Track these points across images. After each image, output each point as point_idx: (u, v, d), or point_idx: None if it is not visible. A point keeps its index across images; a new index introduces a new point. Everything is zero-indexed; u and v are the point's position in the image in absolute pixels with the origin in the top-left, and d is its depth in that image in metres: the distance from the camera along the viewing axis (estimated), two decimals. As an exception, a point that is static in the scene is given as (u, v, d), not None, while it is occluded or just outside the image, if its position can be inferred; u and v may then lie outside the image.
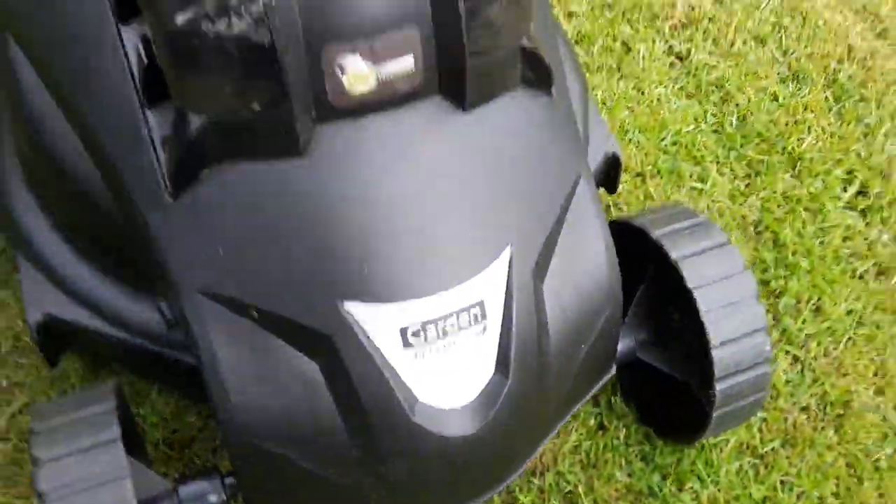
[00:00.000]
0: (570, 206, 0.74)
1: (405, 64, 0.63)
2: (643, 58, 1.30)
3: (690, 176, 1.19)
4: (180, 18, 0.60)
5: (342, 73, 0.61)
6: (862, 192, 1.22)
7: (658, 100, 1.27)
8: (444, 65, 0.65)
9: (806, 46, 1.35)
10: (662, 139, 1.22)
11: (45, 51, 0.75)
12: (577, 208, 0.75)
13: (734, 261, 0.84)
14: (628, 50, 1.31)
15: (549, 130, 0.76)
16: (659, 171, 1.19)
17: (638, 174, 1.19)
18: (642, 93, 1.27)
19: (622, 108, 1.25)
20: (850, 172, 1.23)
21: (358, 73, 0.61)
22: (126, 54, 0.66)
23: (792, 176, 1.21)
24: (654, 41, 1.33)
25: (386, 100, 0.64)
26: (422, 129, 0.66)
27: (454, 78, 0.66)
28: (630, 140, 1.22)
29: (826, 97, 1.30)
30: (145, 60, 0.65)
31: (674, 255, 0.83)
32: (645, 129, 1.23)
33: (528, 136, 0.73)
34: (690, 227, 0.86)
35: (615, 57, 1.30)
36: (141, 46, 0.66)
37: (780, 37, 1.36)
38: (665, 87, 1.28)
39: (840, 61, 1.34)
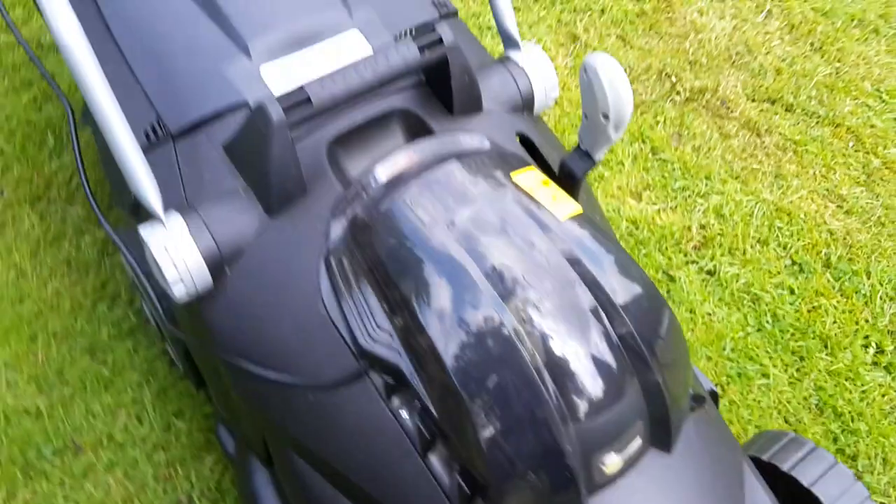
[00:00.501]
0: (742, 481, 1.06)
1: (637, 443, 0.95)
2: (685, 282, 1.67)
3: (755, 375, 1.54)
4: (497, 463, 0.91)
5: (604, 466, 0.93)
6: (879, 351, 1.59)
7: (707, 314, 1.63)
8: (655, 432, 0.97)
9: (798, 239, 1.75)
10: (723, 349, 1.58)
11: (341, 468, 1.04)
12: (748, 481, 1.07)
13: (846, 475, 1.17)
14: (671, 279, 1.68)
15: (717, 430, 1.08)
16: (730, 378, 1.54)
17: (717, 384, 1.53)
18: (693, 312, 1.63)
19: (686, 331, 1.60)
20: (866, 338, 1.60)
21: (613, 464, 0.93)
22: (433, 473, 0.96)
23: (827, 354, 1.58)
24: (686, 265, 1.70)
25: (627, 469, 0.95)
26: (650, 477, 0.98)
27: (660, 434, 0.98)
28: (700, 356, 1.56)
29: (828, 279, 1.68)
30: (463, 489, 0.94)
31: (806, 482, 1.15)
32: (707, 344, 1.58)
33: (707, 443, 1.05)
34: (807, 453, 1.19)
35: (664, 287, 1.66)
36: (447, 471, 0.95)
37: (777, 236, 1.76)
38: (708, 302, 1.65)
39: (827, 245, 1.74)
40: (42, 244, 1.68)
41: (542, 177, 1.06)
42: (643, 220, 1.77)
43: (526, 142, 1.23)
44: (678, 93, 2.03)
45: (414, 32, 1.11)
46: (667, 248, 1.74)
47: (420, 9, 1.29)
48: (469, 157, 1.05)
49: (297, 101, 1.02)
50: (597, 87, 1.04)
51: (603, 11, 2.19)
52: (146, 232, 1.03)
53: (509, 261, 0.95)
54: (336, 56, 1.18)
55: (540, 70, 1.26)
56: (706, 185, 1.85)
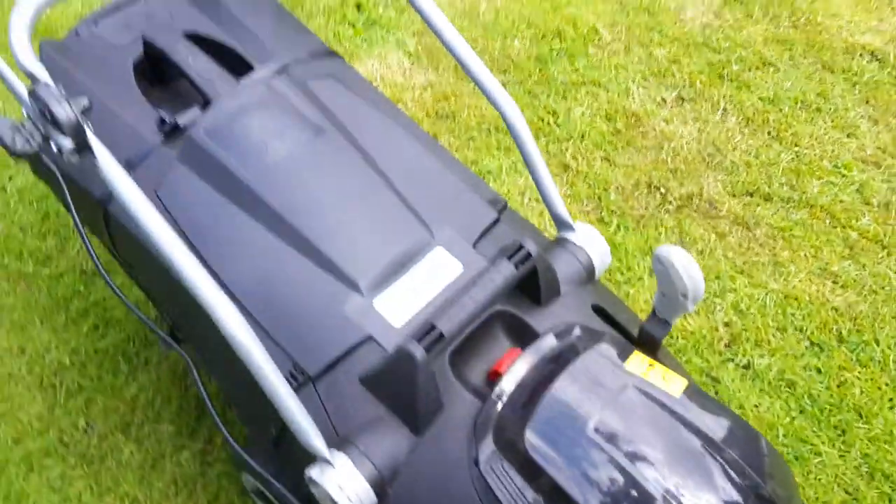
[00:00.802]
0: None
1: None
2: (728, 381, 1.92)
3: (810, 455, 1.79)
4: None
5: None
6: (905, 409, 1.87)
7: (755, 406, 1.88)
8: None
9: (810, 321, 2.03)
10: (777, 437, 1.82)
11: None
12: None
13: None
14: (716, 380, 1.93)
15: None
16: (790, 463, 1.78)
17: (781, 472, 1.77)
18: (743, 407, 1.88)
19: (740, 427, 1.84)
20: (890, 400, 1.88)
21: None
22: None
23: (863, 423, 1.85)
24: (724, 363, 1.96)
25: None
26: None
27: None
28: (759, 448, 1.81)
29: (845, 353, 1.97)
30: None
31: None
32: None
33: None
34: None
35: (711, 389, 1.91)
36: None
37: (792, 321, 2.04)
38: (752, 395, 1.90)
39: (835, 321, 2.03)
40: (145, 469, 1.82)
41: (647, 360, 1.29)
42: (674, 328, 2.03)
43: (599, 310, 1.46)
44: (669, 202, 2.32)
45: (502, 250, 1.34)
46: (703, 351, 1.99)
47: (482, 212, 1.53)
48: (584, 358, 1.27)
49: (434, 338, 1.23)
50: (674, 274, 1.29)
51: (583, 137, 2.49)
52: (317, 473, 1.22)
53: (644, 443, 1.18)
54: (433, 276, 1.40)
55: (594, 244, 1.51)
56: (718, 284, 2.13)
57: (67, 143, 1.08)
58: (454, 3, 2.88)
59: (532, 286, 1.39)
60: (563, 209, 1.53)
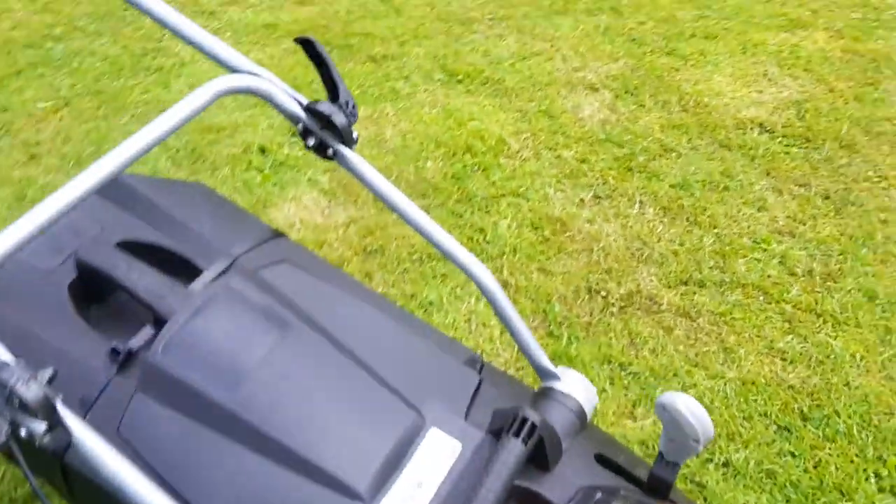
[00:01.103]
0: None
1: None
2: (713, 484, 1.95)
3: (808, 546, 1.84)
4: None
5: None
6: (879, 478, 1.96)
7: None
8: None
9: (772, 404, 2.12)
10: (773, 532, 1.87)
11: None
12: None
13: None
14: (702, 486, 1.96)
15: None
16: (792, 557, 1.83)
17: (785, 569, 1.81)
18: (733, 508, 1.92)
19: (736, 530, 1.88)
20: (864, 471, 1.97)
21: None
22: None
23: (846, 500, 1.92)
24: (704, 465, 2.00)
25: None
26: None
27: None
28: (758, 548, 1.84)
29: (811, 431, 2.05)
30: None
31: None
32: (759, 534, 1.86)
33: None
34: None
35: (699, 496, 1.94)
36: None
37: (755, 407, 2.11)
38: (737, 492, 1.94)
39: (795, 400, 2.13)
40: None
41: None
42: (648, 437, 2.06)
43: (601, 459, 1.46)
44: (612, 304, 2.39)
45: (509, 424, 1.32)
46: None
47: (464, 376, 1.50)
48: None
49: None
50: (682, 420, 1.31)
51: (514, 250, 2.53)
52: None
53: None
54: (434, 463, 1.36)
55: (582, 390, 1.52)
56: (678, 382, 2.18)
57: (40, 427, 0.99)
58: (359, 131, 2.91)
59: (539, 454, 1.37)
60: (544, 359, 1.53)
